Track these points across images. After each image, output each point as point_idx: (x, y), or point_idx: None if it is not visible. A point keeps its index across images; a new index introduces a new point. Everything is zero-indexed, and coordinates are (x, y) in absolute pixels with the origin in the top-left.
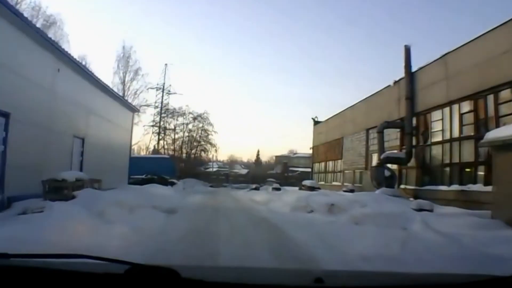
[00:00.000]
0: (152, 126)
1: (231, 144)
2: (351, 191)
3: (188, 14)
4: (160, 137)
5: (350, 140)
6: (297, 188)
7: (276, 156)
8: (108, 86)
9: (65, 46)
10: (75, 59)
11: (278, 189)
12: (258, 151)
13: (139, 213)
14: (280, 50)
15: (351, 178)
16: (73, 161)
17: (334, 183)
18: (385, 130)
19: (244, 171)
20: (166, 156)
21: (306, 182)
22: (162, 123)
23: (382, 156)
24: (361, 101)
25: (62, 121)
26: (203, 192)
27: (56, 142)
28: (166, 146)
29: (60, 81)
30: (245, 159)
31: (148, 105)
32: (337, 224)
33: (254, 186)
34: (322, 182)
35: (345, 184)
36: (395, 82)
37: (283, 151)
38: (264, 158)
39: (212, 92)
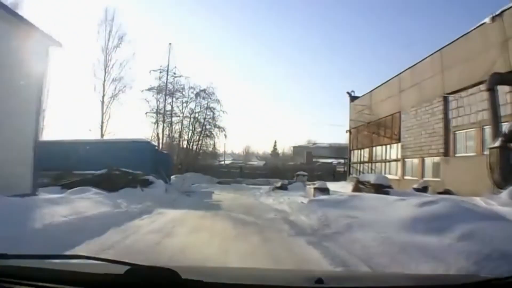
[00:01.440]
0: (156, 113)
1: (246, 135)
2: (424, 189)
3: None
4: (162, 125)
5: (414, 114)
6: (339, 183)
7: (294, 147)
8: None
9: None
10: None
11: (324, 190)
12: (275, 142)
13: None
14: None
15: (416, 169)
16: None
17: (386, 176)
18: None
19: (261, 164)
20: (143, 140)
21: (369, 177)
22: (159, 105)
23: (507, 129)
24: (430, 56)
25: None
26: (199, 197)
27: None
28: (167, 133)
29: None
30: (260, 151)
31: (151, 89)
32: None
33: (279, 183)
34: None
35: (405, 177)
36: (494, 17)
37: (300, 141)
38: (280, 149)
39: (221, 78)
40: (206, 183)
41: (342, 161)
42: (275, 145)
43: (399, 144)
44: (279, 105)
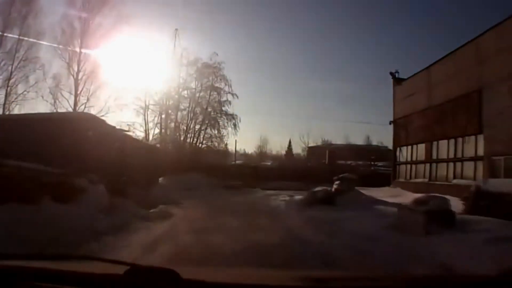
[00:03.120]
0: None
1: (260, 133)
2: None
3: None
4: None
5: (507, 90)
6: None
7: (310, 147)
8: None
9: None
10: None
11: (448, 219)
12: (290, 141)
13: None
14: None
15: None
16: None
17: (455, 181)
18: None
19: (276, 164)
20: (84, 114)
21: (503, 185)
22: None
23: None
24: None
25: None
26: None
27: None
28: (158, 121)
29: None
30: (274, 152)
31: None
32: None
33: (318, 191)
34: (423, 179)
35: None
36: None
37: (313, 141)
38: (294, 150)
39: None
40: (208, 188)
41: (360, 162)
42: (289, 145)
43: (481, 136)
44: (293, 102)
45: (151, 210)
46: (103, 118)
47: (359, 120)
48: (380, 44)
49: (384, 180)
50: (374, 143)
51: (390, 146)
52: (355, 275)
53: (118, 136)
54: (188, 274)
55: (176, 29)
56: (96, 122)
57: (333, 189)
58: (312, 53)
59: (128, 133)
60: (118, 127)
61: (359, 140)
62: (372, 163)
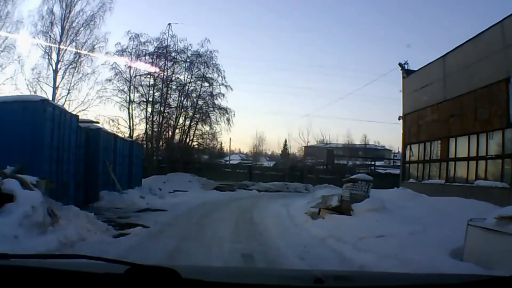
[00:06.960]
0: (146, 101)
1: (255, 131)
2: None
3: None
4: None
5: None
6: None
7: (306, 147)
8: None
9: None
10: None
11: None
12: (286, 141)
13: None
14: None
15: None
16: None
17: (478, 182)
18: None
19: (272, 164)
20: (26, 96)
21: None
22: (132, 74)
23: None
24: None
25: None
26: None
27: None
28: (142, 116)
29: None
30: (269, 151)
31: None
32: None
33: (331, 198)
34: (438, 181)
35: None
36: None
37: (314, 138)
38: (290, 149)
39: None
40: (198, 189)
41: (358, 162)
42: (285, 145)
43: (509, 130)
44: (290, 100)
45: (118, 221)
46: (84, 112)
47: (357, 118)
48: (381, 40)
49: (385, 180)
50: (371, 142)
51: (388, 146)
52: (355, 275)
53: (85, 129)
54: (188, 273)
55: (169, 24)
56: (49, 108)
57: (346, 193)
58: (310, 48)
59: (98, 125)
60: (95, 119)
61: (356, 139)
62: (371, 163)
